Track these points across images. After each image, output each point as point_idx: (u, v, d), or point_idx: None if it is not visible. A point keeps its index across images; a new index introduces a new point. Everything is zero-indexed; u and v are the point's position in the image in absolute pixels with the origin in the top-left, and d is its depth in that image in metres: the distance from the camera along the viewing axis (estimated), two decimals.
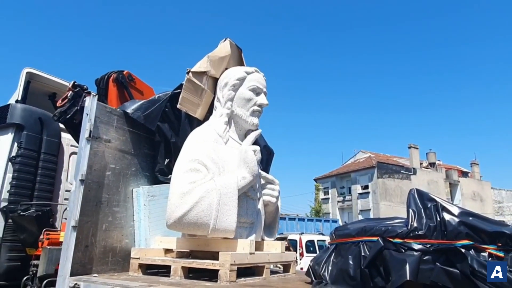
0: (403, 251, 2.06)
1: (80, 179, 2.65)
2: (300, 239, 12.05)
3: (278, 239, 11.37)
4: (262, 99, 3.21)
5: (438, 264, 1.98)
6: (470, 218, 2.06)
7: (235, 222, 2.64)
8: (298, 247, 11.80)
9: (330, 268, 2.43)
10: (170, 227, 2.64)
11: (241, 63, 3.58)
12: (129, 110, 3.16)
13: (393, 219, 2.42)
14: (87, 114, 2.77)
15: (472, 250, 1.97)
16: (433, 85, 68.37)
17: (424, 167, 35.19)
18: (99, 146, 2.90)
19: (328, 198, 34.87)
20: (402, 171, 32.26)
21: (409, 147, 34.13)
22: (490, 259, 1.95)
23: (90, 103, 2.79)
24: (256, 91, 3.20)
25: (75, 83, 3.52)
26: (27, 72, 4.04)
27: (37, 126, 3.73)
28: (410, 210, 2.20)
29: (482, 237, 1.99)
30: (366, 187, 31.67)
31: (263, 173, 3.22)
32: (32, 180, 3.65)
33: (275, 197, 3.18)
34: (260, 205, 3.11)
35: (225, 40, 3.46)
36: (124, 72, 3.69)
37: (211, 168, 2.79)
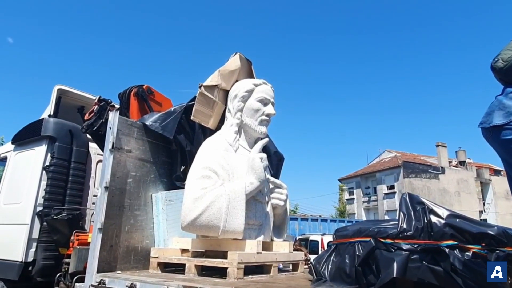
0: (393, 250, 2.24)
1: (105, 186, 2.97)
2: (322, 239, 12.15)
3: (301, 239, 11.51)
4: (269, 109, 3.44)
5: (424, 262, 2.14)
6: (457, 220, 2.21)
7: (243, 224, 2.88)
8: (320, 248, 11.91)
9: (329, 266, 2.63)
10: (184, 229, 2.92)
11: (251, 75, 3.82)
12: (147, 122, 3.47)
13: (388, 221, 2.59)
14: (110, 128, 3.08)
15: (457, 250, 2.12)
16: (460, 83, 66.19)
17: (453, 166, 34.20)
18: (121, 156, 3.21)
19: (353, 199, 34.53)
20: (429, 170, 31.50)
21: (437, 146, 33.29)
22: (474, 258, 2.10)
23: (113, 118, 3.10)
24: (264, 102, 3.44)
25: (101, 98, 3.89)
26: (58, 89, 4.46)
27: (68, 137, 4.13)
28: (401, 213, 2.37)
29: (466, 237, 2.14)
30: (392, 187, 31.16)
31: (272, 178, 3.45)
32: (63, 187, 4.04)
33: (283, 201, 3.40)
34: (268, 208, 3.33)
35: (235, 54, 3.71)
36: (144, 86, 4.02)
37: (221, 174, 3.04)
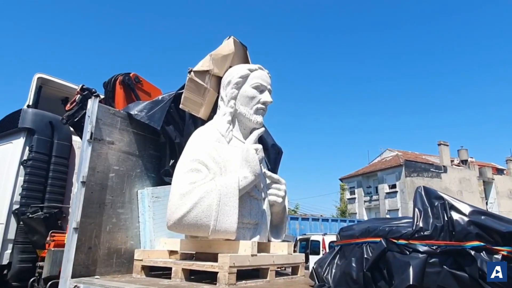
0: (408, 253, 1.93)
1: (82, 181, 2.66)
2: (323, 239, 11.83)
3: (301, 240, 11.17)
4: (266, 96, 3.13)
5: (445, 267, 1.83)
6: (482, 217, 1.90)
7: (235, 223, 2.57)
8: (321, 248, 11.59)
9: (333, 270, 2.31)
10: (170, 229, 2.61)
11: (246, 61, 3.51)
12: (132, 112, 3.16)
13: (400, 219, 2.28)
14: (89, 116, 2.78)
15: (483, 252, 1.81)
16: (462, 81, 65.78)
17: (455, 165, 33.84)
18: (102, 148, 2.91)
19: (355, 198, 34.19)
20: (431, 169, 31.16)
21: (439, 144, 32.93)
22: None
23: (92, 105, 2.79)
24: (260, 89, 3.13)
25: (84, 87, 3.58)
26: (38, 78, 4.15)
27: (48, 130, 3.82)
28: (416, 209, 2.06)
29: (495, 238, 1.83)
30: (394, 186, 30.82)
31: (268, 173, 3.14)
32: (43, 183, 3.74)
33: (281, 197, 3.09)
34: (265, 206, 3.03)
35: (229, 38, 3.40)
36: (131, 74, 3.71)
37: (212, 168, 2.73)
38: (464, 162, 34.35)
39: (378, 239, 2.06)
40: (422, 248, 1.90)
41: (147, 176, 3.28)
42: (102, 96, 3.73)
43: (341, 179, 36.21)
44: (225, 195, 2.58)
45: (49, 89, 4.30)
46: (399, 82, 68.56)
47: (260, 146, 2.84)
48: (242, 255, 2.51)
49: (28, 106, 3.99)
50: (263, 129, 3.10)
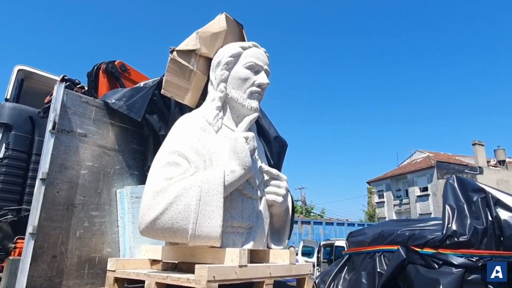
0: (436, 266, 1.39)
1: (41, 178, 2.28)
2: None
3: (325, 245, 10.45)
4: (261, 78, 2.67)
5: (491, 287, 1.29)
6: None
7: (219, 226, 2.11)
8: None
9: (339, 287, 1.80)
10: (142, 233, 2.17)
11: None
12: (110, 100, 2.77)
13: (426, 221, 1.74)
14: (53, 104, 2.40)
15: None
16: (496, 77, 62.51)
17: (492, 166, 31.89)
18: (72, 140, 2.53)
19: (383, 202, 32.86)
20: (466, 171, 29.46)
21: (473, 144, 31.16)
22: None
23: (57, 91, 2.42)
24: (255, 69, 2.67)
25: (65, 77, 3.23)
26: (19, 70, 3.88)
27: (28, 125, 3.51)
28: (447, 207, 1.51)
29: None
30: (425, 189, 29.35)
31: (266, 167, 2.65)
32: (21, 184, 3.42)
33: (281, 196, 2.59)
34: (262, 206, 2.54)
35: (221, 14, 2.97)
36: (116, 62, 3.34)
37: (195, 161, 2.29)
38: (501, 162, 32.32)
39: (395, 247, 1.53)
40: (457, 260, 1.36)
41: (129, 173, 2.87)
42: (86, 88, 3.38)
43: (368, 182, 34.97)
44: (206, 192, 2.13)
45: (32, 83, 4.02)
46: (428, 81, 66.09)
47: (251, 134, 2.37)
48: (227, 266, 2.04)
49: (6, 99, 3.73)
50: (256, 114, 2.63)
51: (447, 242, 1.42)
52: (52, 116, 2.36)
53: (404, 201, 31.16)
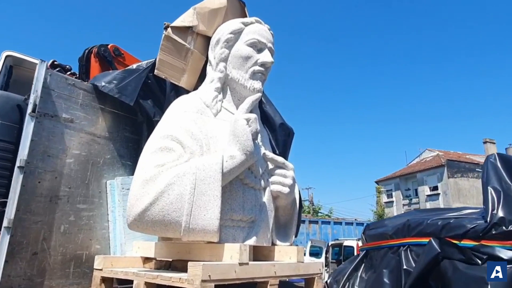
0: (480, 262, 1.12)
1: (19, 166, 2.05)
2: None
3: (333, 245, 10.17)
4: (265, 56, 2.41)
5: None
6: None
7: (217, 219, 1.86)
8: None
9: (356, 287, 1.53)
10: (130, 227, 1.93)
11: None
12: (99, 83, 2.54)
13: (459, 210, 1.46)
14: (33, 85, 2.17)
15: None
16: (508, 76, 61.48)
17: None
18: (56, 126, 2.30)
19: (392, 201, 32.36)
20: (477, 169, 28.84)
21: (484, 142, 30.58)
22: None
23: (38, 71, 2.19)
24: (257, 47, 2.42)
25: (55, 63, 3.00)
26: (7, 56, 3.67)
27: (15, 114, 3.28)
28: (490, 190, 1.24)
29: None
30: (435, 188, 28.81)
31: (270, 155, 2.40)
32: (8, 176, 3.20)
33: (287, 186, 2.33)
34: (266, 198, 2.28)
35: None
36: (109, 46, 3.11)
37: (190, 146, 2.04)
38: None
39: (425, 239, 1.26)
40: (505, 254, 1.09)
41: (120, 164, 2.64)
42: (78, 75, 3.15)
43: (377, 182, 34.49)
44: (202, 180, 1.88)
45: (22, 71, 3.80)
46: (436, 77, 65.32)
47: (253, 116, 2.11)
48: (225, 264, 1.78)
49: None
50: (259, 94, 2.38)
51: (493, 232, 1.15)
52: (33, 97, 2.14)
53: (414, 200, 30.64)
